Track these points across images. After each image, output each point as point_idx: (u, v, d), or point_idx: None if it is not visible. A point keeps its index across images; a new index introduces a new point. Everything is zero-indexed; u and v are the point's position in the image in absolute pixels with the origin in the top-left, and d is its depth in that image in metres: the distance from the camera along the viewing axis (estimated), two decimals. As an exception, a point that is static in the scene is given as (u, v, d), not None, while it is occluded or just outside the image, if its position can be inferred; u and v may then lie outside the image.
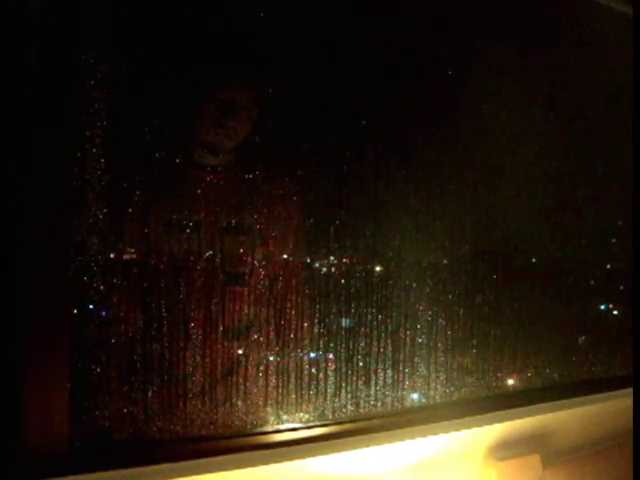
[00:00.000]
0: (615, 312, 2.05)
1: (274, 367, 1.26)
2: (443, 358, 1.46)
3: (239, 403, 1.22)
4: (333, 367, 1.31)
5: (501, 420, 1.36)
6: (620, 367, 1.84)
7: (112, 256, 1.14)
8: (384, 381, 1.36)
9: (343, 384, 1.32)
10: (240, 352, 1.29)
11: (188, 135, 1.43)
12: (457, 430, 1.28)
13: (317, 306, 1.32)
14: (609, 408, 1.61)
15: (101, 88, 0.99)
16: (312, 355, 1.30)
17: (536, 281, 1.73)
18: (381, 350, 1.37)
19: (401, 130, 1.50)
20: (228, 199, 1.41)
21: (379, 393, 1.35)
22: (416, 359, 1.42)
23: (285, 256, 1.40)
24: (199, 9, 1.27)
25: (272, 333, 1.29)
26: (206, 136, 1.41)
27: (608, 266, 2.03)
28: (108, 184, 1.01)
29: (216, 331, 1.26)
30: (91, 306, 1.04)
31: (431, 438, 1.24)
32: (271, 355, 1.28)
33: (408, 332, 1.42)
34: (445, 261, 1.55)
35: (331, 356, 1.32)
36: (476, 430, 1.31)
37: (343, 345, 1.33)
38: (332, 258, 1.38)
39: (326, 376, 1.30)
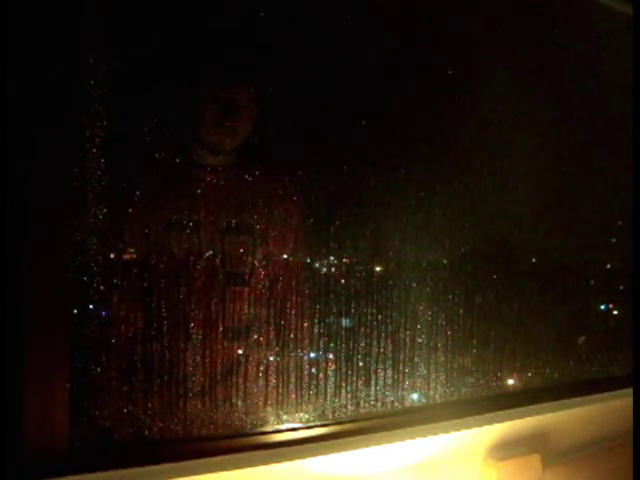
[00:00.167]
0: (615, 312, 2.05)
1: (274, 367, 1.26)
2: (443, 358, 1.46)
3: (239, 403, 1.22)
4: (333, 367, 1.31)
5: (501, 420, 1.35)
6: (620, 367, 1.84)
7: (112, 256, 1.14)
8: (384, 381, 1.36)
9: (343, 384, 1.32)
10: (240, 352, 1.29)
11: (188, 135, 1.43)
12: (457, 430, 1.27)
13: (317, 306, 1.32)
14: (609, 408, 1.61)
15: (101, 88, 0.99)
16: (312, 355, 1.30)
17: (536, 281, 1.73)
18: (381, 350, 1.37)
19: (401, 130, 1.50)
20: (228, 199, 1.41)
21: (379, 393, 1.35)
22: (416, 359, 1.42)
23: (285, 256, 1.40)
24: (199, 9, 1.27)
25: (272, 333, 1.29)
26: (206, 136, 1.41)
27: (608, 266, 2.03)
28: (108, 184, 1.01)
29: (216, 331, 1.26)
30: (91, 306, 1.04)
31: (431, 438, 1.24)
32: (271, 355, 1.28)
33: (408, 332, 1.42)
34: (445, 261, 1.55)
35: (331, 356, 1.32)
36: (476, 430, 1.31)
37: (343, 345, 1.33)
38: (332, 258, 1.38)
39: (326, 376, 1.30)
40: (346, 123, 1.44)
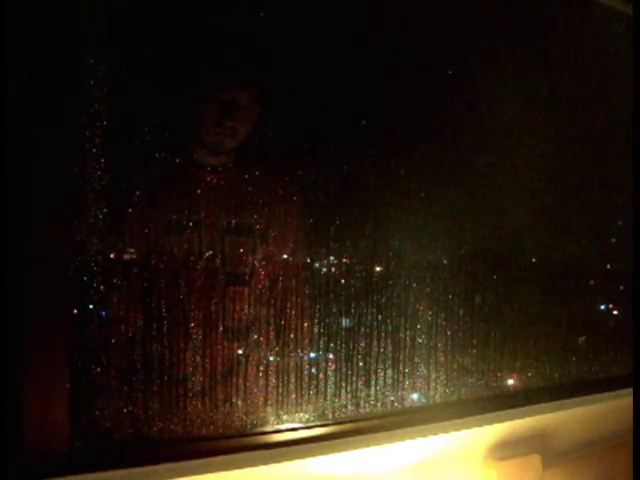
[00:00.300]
0: (615, 312, 2.05)
1: (274, 367, 1.26)
2: (443, 358, 1.46)
3: (239, 403, 1.22)
4: (333, 367, 1.31)
5: (501, 420, 1.36)
6: (620, 367, 1.84)
7: (112, 256, 1.14)
8: (384, 381, 1.36)
9: (343, 384, 1.32)
10: (240, 352, 1.29)
11: (188, 135, 1.43)
12: (457, 430, 1.28)
13: (317, 306, 1.32)
14: (609, 408, 1.61)
15: (101, 88, 0.99)
16: (312, 355, 1.30)
17: (536, 281, 1.73)
18: (381, 350, 1.37)
19: (401, 130, 1.50)
20: (228, 199, 1.41)
21: (379, 393, 1.35)
22: (416, 359, 1.42)
23: (285, 256, 1.40)
24: (199, 9, 1.27)
25: (272, 333, 1.29)
26: (206, 136, 1.41)
27: (608, 266, 2.03)
28: (108, 184, 1.01)
29: (216, 331, 1.26)
30: (91, 306, 1.04)
31: (431, 438, 1.24)
32: (271, 355, 1.28)
33: (408, 332, 1.42)
34: (445, 261, 1.55)
35: (331, 356, 1.32)
36: (476, 430, 1.31)
37: (343, 345, 1.33)
38: (332, 258, 1.38)
39: (326, 376, 1.30)
40: (346, 123, 1.44)
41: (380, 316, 1.38)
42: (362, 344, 1.35)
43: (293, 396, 1.26)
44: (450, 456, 1.28)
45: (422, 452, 1.23)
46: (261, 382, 1.25)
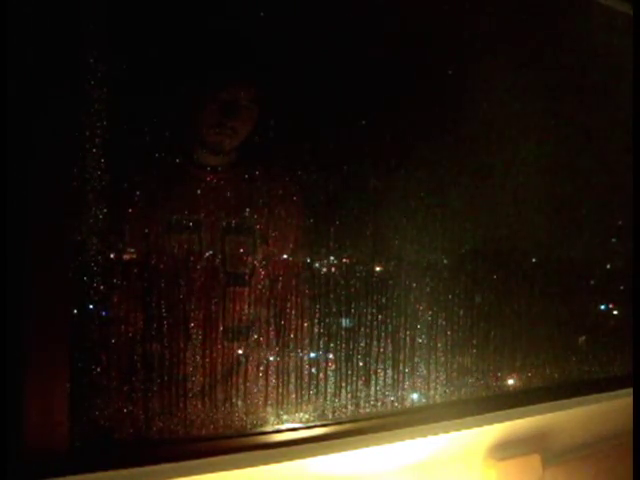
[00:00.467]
0: (615, 312, 2.05)
1: (274, 367, 1.26)
2: (443, 358, 1.46)
3: (239, 403, 1.22)
4: (333, 367, 1.31)
5: (501, 420, 1.36)
6: (620, 367, 1.84)
7: (112, 256, 1.14)
8: (384, 381, 1.36)
9: (343, 384, 1.32)
10: (240, 352, 1.29)
11: (188, 135, 1.43)
12: (457, 430, 1.28)
13: (317, 306, 1.32)
14: (609, 408, 1.61)
15: (101, 88, 0.99)
16: (312, 355, 1.30)
17: (536, 281, 1.73)
18: (381, 350, 1.37)
19: (401, 130, 1.50)
20: (228, 199, 1.41)
21: (379, 393, 1.35)
22: (416, 359, 1.42)
23: (285, 256, 1.40)
24: (199, 9, 1.27)
25: (272, 333, 1.29)
26: (207, 136, 1.41)
27: (608, 266, 2.03)
28: (108, 184, 1.01)
29: (216, 331, 1.26)
30: (91, 306, 1.04)
31: (431, 438, 1.24)
32: (271, 355, 1.28)
33: (408, 332, 1.42)
34: (445, 261, 1.55)
35: (331, 356, 1.32)
36: (476, 430, 1.31)
37: (343, 345, 1.33)
38: (332, 258, 1.38)
39: (326, 376, 1.30)
40: (346, 123, 1.44)
41: (380, 316, 1.38)
42: (362, 344, 1.35)
43: (293, 396, 1.26)
44: (450, 456, 1.27)
45: (422, 452, 1.23)
46: (261, 382, 1.25)
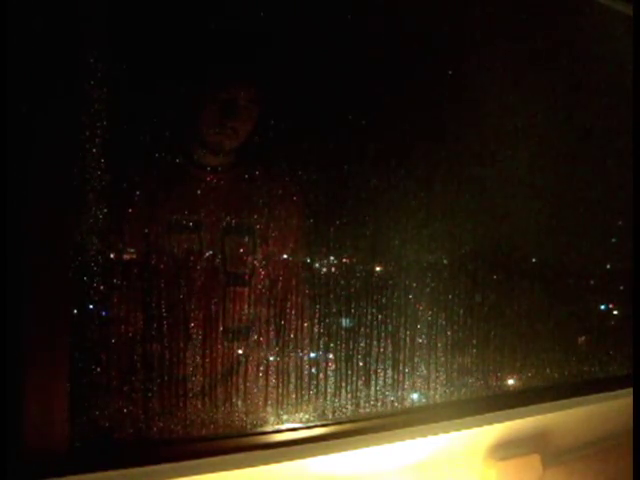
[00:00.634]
0: (615, 312, 2.05)
1: (274, 367, 1.26)
2: (443, 358, 1.46)
3: (239, 403, 1.22)
4: (333, 367, 1.31)
5: (501, 420, 1.35)
6: (620, 367, 1.84)
7: (112, 256, 1.14)
8: (384, 381, 1.36)
9: (343, 384, 1.32)
10: (240, 352, 1.29)
11: (188, 135, 1.43)
12: (457, 430, 1.27)
13: (317, 306, 1.32)
14: (609, 408, 1.61)
15: (101, 88, 0.99)
16: (312, 355, 1.30)
17: (536, 281, 1.73)
18: (381, 350, 1.37)
19: (401, 130, 1.50)
20: (228, 199, 1.41)
21: (379, 393, 1.35)
22: (416, 359, 1.42)
23: (285, 256, 1.40)
24: (199, 8, 1.27)
25: (272, 333, 1.29)
26: (207, 136, 1.41)
27: (608, 266, 2.03)
28: (108, 184, 1.01)
29: (216, 331, 1.26)
30: (91, 306, 1.04)
31: (431, 438, 1.24)
32: (271, 355, 1.28)
33: (408, 332, 1.42)
34: (445, 261, 1.55)
35: (331, 356, 1.32)
36: (476, 430, 1.31)
37: (343, 345, 1.33)
38: (332, 258, 1.38)
39: (326, 376, 1.30)
40: (346, 123, 1.44)
41: (380, 316, 1.38)
42: (362, 344, 1.35)
43: (293, 396, 1.26)
44: (450, 456, 1.27)
45: (422, 452, 1.23)
46: (261, 382, 1.25)
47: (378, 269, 1.45)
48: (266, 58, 1.37)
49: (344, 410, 1.30)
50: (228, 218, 1.36)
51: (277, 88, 1.39)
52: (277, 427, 1.20)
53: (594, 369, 1.81)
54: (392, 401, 1.37)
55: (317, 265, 1.38)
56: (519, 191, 1.71)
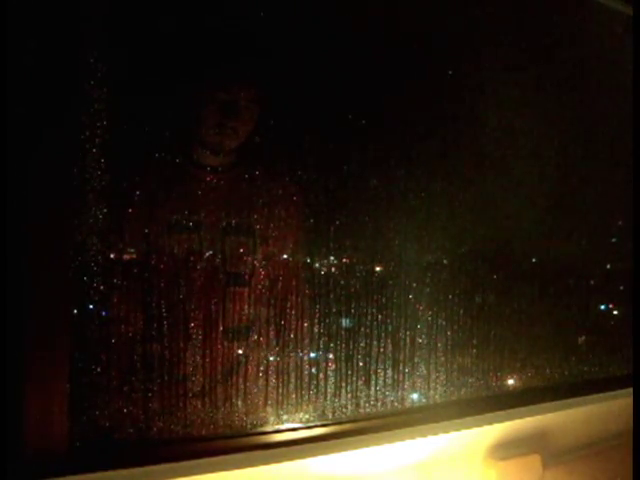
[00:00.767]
0: (615, 312, 2.04)
1: (274, 367, 1.26)
2: (443, 358, 1.46)
3: (239, 403, 1.22)
4: (333, 367, 1.31)
5: (501, 420, 1.35)
6: (620, 367, 1.84)
7: (112, 256, 1.14)
8: (384, 381, 1.36)
9: (343, 384, 1.32)
10: (240, 352, 1.29)
11: (188, 135, 1.43)
12: (457, 430, 1.27)
13: (317, 306, 1.32)
14: (609, 408, 1.61)
15: (101, 88, 0.99)
16: (312, 355, 1.30)
17: (536, 281, 1.73)
18: (381, 350, 1.37)
19: (402, 130, 1.50)
20: (228, 199, 1.41)
21: (379, 393, 1.35)
22: (416, 359, 1.42)
23: (285, 256, 1.40)
24: (200, 8, 1.27)
25: (272, 333, 1.29)
26: (207, 136, 1.41)
27: (608, 266, 2.03)
28: (108, 184, 1.01)
29: (216, 331, 1.26)
30: (91, 306, 1.04)
31: (431, 438, 1.24)
32: (271, 355, 1.28)
33: (408, 332, 1.42)
34: (445, 261, 1.55)
35: (331, 356, 1.32)
36: (476, 430, 1.31)
37: (343, 345, 1.33)
38: (332, 258, 1.38)
39: (326, 376, 1.30)
40: (346, 123, 1.44)
41: (380, 316, 1.38)
42: (362, 344, 1.35)
43: (293, 396, 1.26)
44: (450, 456, 1.27)
45: (422, 452, 1.23)
46: (261, 382, 1.25)
47: (378, 269, 1.45)
48: (266, 58, 1.37)
49: (344, 410, 1.30)
50: (228, 218, 1.36)
51: (277, 88, 1.39)
52: (277, 427, 1.20)
53: (594, 369, 1.81)
54: (392, 401, 1.37)
55: (317, 265, 1.38)
56: (519, 191, 1.71)
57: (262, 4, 1.33)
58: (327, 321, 1.32)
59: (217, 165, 1.43)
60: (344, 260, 1.40)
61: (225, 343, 1.27)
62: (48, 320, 0.90)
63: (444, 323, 1.48)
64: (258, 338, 1.29)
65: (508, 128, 1.68)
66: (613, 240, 2.03)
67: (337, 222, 1.38)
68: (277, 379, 1.26)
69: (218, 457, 1.03)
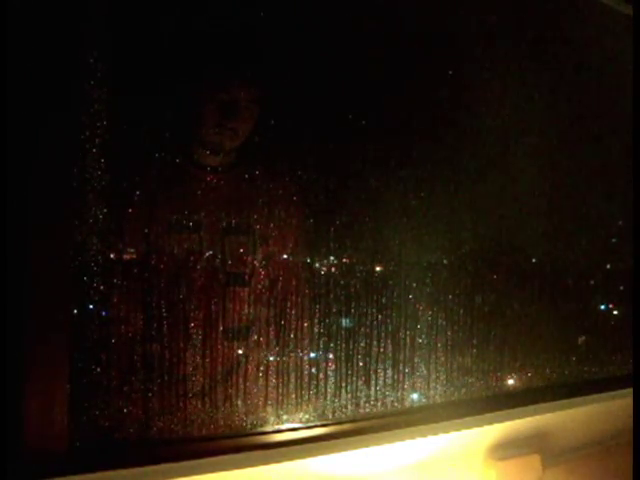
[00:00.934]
0: (615, 312, 2.05)
1: (274, 367, 1.26)
2: (443, 358, 1.46)
3: (239, 403, 1.22)
4: (333, 367, 1.31)
5: (501, 420, 1.36)
6: (620, 367, 1.84)
7: (112, 256, 1.14)
8: (384, 381, 1.36)
9: (343, 384, 1.32)
10: (240, 352, 1.29)
11: (189, 135, 1.43)
12: (457, 430, 1.28)
13: (317, 306, 1.32)
14: (609, 408, 1.61)
15: (101, 88, 0.99)
16: (312, 355, 1.30)
17: (536, 281, 1.73)
18: (381, 350, 1.37)
19: (402, 130, 1.50)
20: (228, 199, 1.41)
21: (379, 393, 1.35)
22: (416, 359, 1.42)
23: (285, 256, 1.40)
24: (200, 9, 1.27)
25: (272, 333, 1.29)
26: (207, 136, 1.41)
27: (608, 266, 2.03)
28: (108, 184, 1.01)
29: (216, 331, 1.26)
30: (91, 306, 1.04)
31: (431, 438, 1.24)
32: (271, 355, 1.28)
33: (408, 332, 1.42)
34: (445, 261, 1.55)
35: (331, 356, 1.32)
36: (476, 430, 1.31)
37: (343, 345, 1.33)
38: (332, 258, 1.38)
39: (326, 376, 1.30)
40: (346, 123, 1.44)
41: (380, 316, 1.38)
42: (362, 344, 1.35)
43: (293, 396, 1.26)
44: (450, 456, 1.27)
45: (422, 452, 1.23)
46: (261, 382, 1.25)
47: (378, 269, 1.45)
48: (266, 58, 1.37)
49: (344, 410, 1.30)
50: (228, 218, 1.36)
51: (277, 88, 1.39)
52: (277, 427, 1.20)
53: (594, 369, 1.81)
54: (392, 401, 1.37)
55: (317, 265, 1.38)
56: (519, 191, 1.71)
57: (262, 4, 1.33)
58: (327, 321, 1.32)
59: (217, 165, 1.43)
60: (344, 260, 1.40)
61: (225, 343, 1.27)
62: (48, 320, 0.90)
63: (444, 323, 1.48)
64: (258, 338, 1.29)
65: (508, 128, 1.68)
66: (613, 240, 2.03)
67: (337, 222, 1.38)
68: (277, 379, 1.26)
69: (218, 457, 1.03)
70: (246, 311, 1.31)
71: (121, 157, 1.11)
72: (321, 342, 1.31)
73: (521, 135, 1.71)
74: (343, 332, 1.34)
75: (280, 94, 1.38)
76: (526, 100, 1.71)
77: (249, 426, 1.19)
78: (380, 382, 1.36)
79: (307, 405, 1.27)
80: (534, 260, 1.80)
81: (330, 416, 1.28)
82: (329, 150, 1.40)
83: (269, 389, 1.25)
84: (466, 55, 1.59)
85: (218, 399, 1.21)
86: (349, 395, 1.32)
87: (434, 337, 1.46)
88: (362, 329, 1.36)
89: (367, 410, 1.33)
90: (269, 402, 1.24)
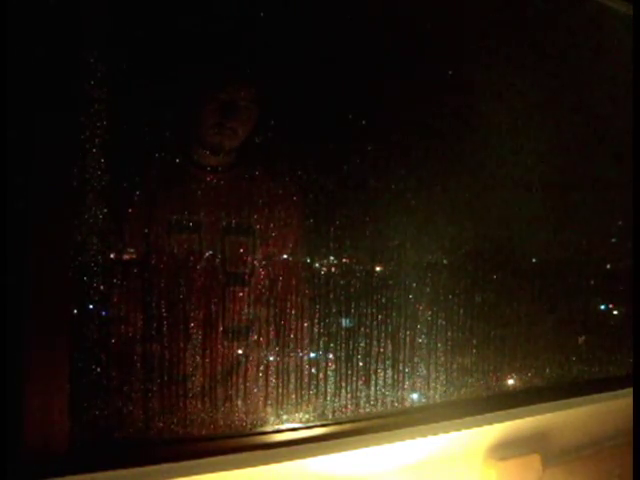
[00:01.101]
0: (615, 312, 2.05)
1: (274, 367, 1.26)
2: (443, 358, 1.46)
3: (239, 403, 1.22)
4: (333, 367, 1.31)
5: (501, 420, 1.35)
6: (620, 367, 1.84)
7: (112, 256, 1.14)
8: (384, 381, 1.37)
9: (343, 384, 1.32)
10: (240, 352, 1.29)
11: (188, 135, 1.43)
12: (457, 430, 1.27)
13: (317, 306, 1.32)
14: (609, 408, 1.61)
15: (101, 88, 0.99)
16: (312, 355, 1.30)
17: (536, 281, 1.73)
18: (381, 350, 1.37)
19: (401, 130, 1.50)
20: (228, 199, 1.41)
21: (379, 393, 1.35)
22: (416, 359, 1.42)
23: (285, 256, 1.40)
24: (199, 9, 1.27)
25: (272, 333, 1.29)
26: (206, 136, 1.41)
27: (608, 266, 2.03)
28: (108, 184, 1.01)
29: (216, 331, 1.27)
30: (91, 306, 1.04)
31: (431, 438, 1.24)
32: (271, 355, 1.28)
33: (408, 332, 1.42)
34: (445, 261, 1.55)
35: (331, 356, 1.32)
36: (476, 430, 1.31)
37: (343, 345, 1.33)
38: (332, 258, 1.38)
39: (326, 376, 1.30)
40: (346, 123, 1.44)
41: (380, 316, 1.38)
42: (362, 344, 1.35)
43: (293, 396, 1.26)
44: (450, 456, 1.27)
45: (422, 452, 1.23)
46: (261, 382, 1.25)
47: (378, 269, 1.45)
48: (266, 58, 1.37)
49: (344, 410, 1.30)
50: (228, 218, 1.36)
51: (277, 88, 1.39)
52: (277, 427, 1.20)
53: (594, 369, 1.81)
54: (392, 401, 1.37)
55: (317, 265, 1.38)
56: (519, 191, 1.71)
57: (262, 4, 1.33)
58: (327, 321, 1.32)
59: (217, 165, 1.43)
60: (344, 260, 1.40)
61: (225, 343, 1.27)
62: (48, 320, 0.90)
63: (444, 323, 1.48)
64: (258, 338, 1.29)
65: (508, 128, 1.68)
66: (613, 240, 2.03)
67: (337, 222, 1.38)
68: (277, 379, 1.26)
69: (218, 457, 1.03)
70: (246, 311, 1.31)
71: (121, 157, 1.11)
72: (321, 342, 1.31)
73: (521, 135, 1.71)
74: (343, 332, 1.34)
75: (280, 94, 1.39)
76: (526, 100, 1.71)
77: (249, 426, 1.19)
78: (380, 382, 1.36)
79: (307, 405, 1.27)
80: (534, 260, 1.80)
81: (330, 416, 1.28)
82: (329, 150, 1.40)
83: (269, 389, 1.25)
84: (465, 55, 1.59)
85: (218, 399, 1.21)
86: (349, 395, 1.32)
87: (434, 337, 1.46)
88: (362, 329, 1.36)
89: (367, 410, 1.33)
90: (269, 402, 1.24)
